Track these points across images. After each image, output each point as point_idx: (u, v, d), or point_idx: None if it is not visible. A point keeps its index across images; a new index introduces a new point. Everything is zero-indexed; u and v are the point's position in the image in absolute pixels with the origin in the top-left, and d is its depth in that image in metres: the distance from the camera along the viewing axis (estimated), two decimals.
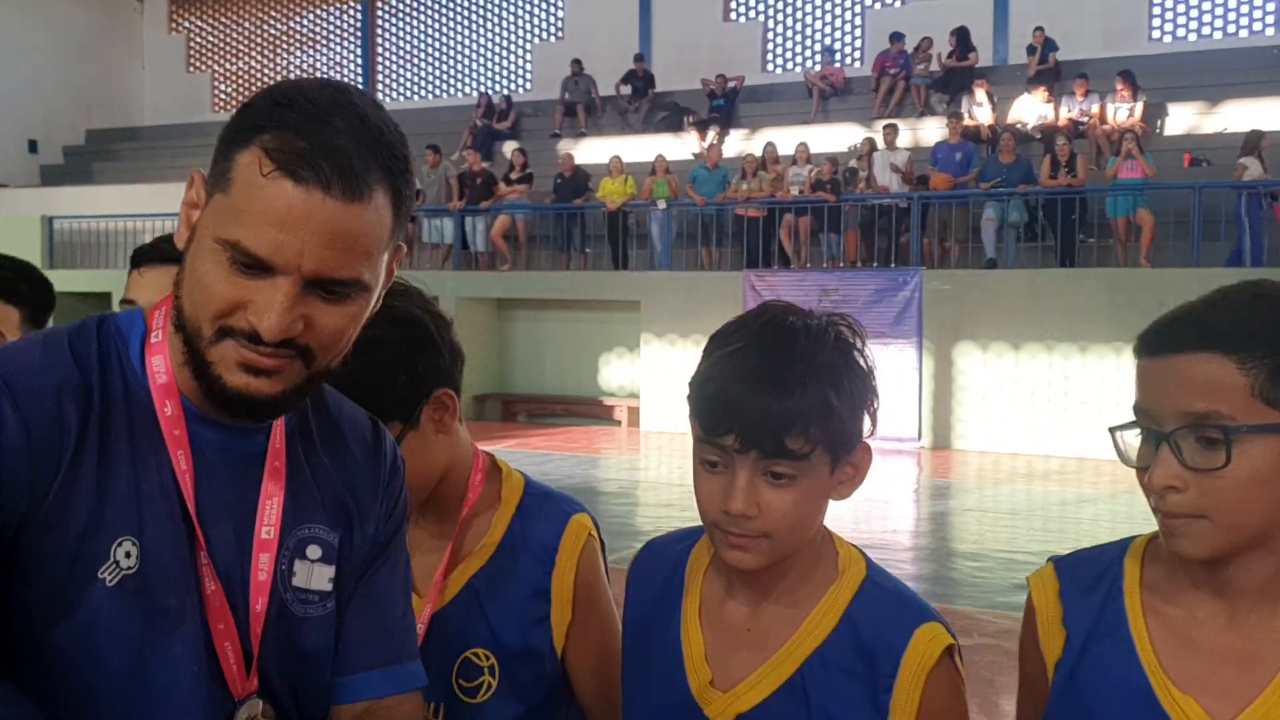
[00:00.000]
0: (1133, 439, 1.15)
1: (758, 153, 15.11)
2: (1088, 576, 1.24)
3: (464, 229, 16.11)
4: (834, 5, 19.45)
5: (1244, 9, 17.12)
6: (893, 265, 13.56)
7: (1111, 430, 1.16)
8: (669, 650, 1.31)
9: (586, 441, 13.61)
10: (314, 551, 1.17)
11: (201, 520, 1.10)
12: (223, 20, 24.21)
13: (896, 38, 16.88)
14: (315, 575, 1.17)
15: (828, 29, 19.52)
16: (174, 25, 24.34)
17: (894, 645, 1.23)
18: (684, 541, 1.39)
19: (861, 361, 1.23)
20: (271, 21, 23.82)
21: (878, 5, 18.96)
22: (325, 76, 1.09)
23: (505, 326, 15.97)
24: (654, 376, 14.13)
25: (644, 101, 18.49)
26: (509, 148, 17.60)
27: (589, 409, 15.19)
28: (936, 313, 12.82)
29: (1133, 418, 1.15)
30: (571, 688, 1.53)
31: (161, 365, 1.11)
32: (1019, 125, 14.85)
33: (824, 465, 1.20)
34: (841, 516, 10.26)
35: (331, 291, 1.04)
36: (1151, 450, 1.12)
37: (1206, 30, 17.30)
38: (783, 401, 1.16)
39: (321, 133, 1.01)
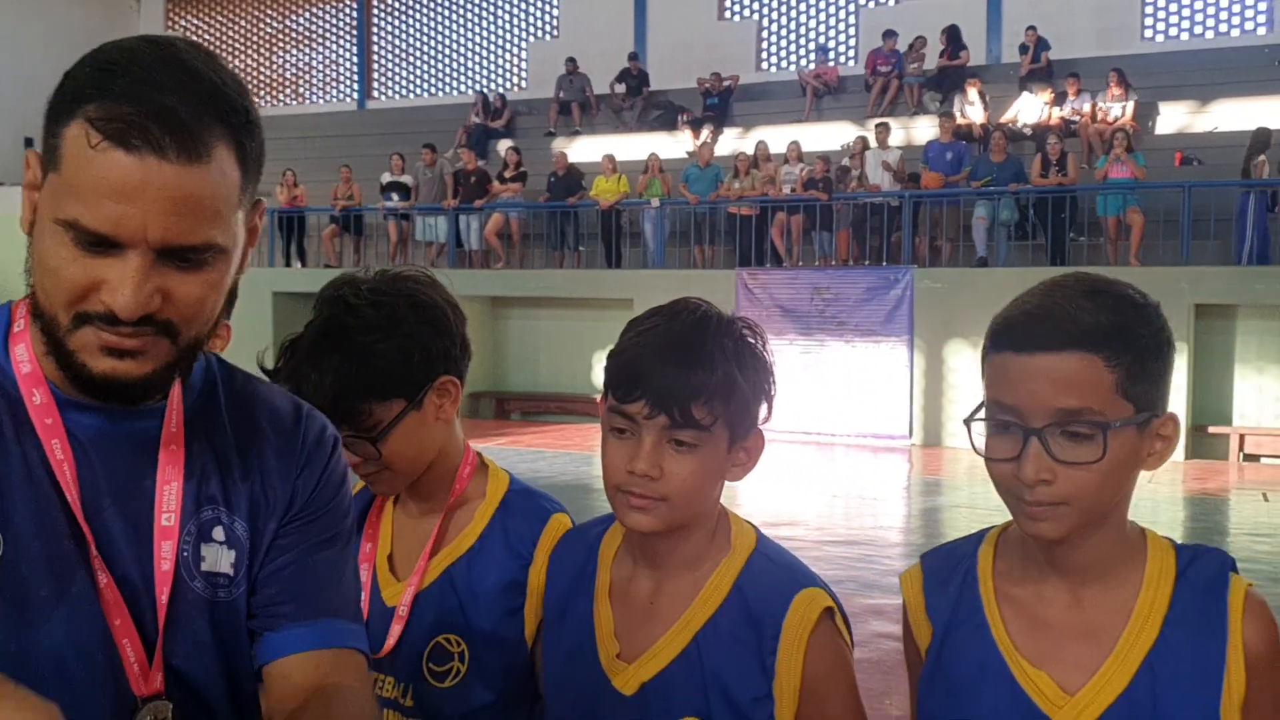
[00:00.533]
0: (984, 430, 1.21)
1: (751, 151, 15.17)
2: (946, 569, 1.32)
3: (458, 227, 16.16)
4: (828, 4, 19.52)
5: (1236, 8, 17.19)
6: (884, 264, 13.63)
7: (966, 421, 1.22)
8: (582, 627, 1.39)
9: (580, 439, 13.65)
10: (220, 534, 1.12)
11: (86, 510, 1.06)
12: (219, 18, 24.26)
13: (889, 35, 16.95)
14: (224, 559, 1.12)
15: (822, 27, 19.58)
16: (170, 23, 24.39)
17: (776, 611, 1.31)
18: (598, 527, 1.48)
19: (764, 353, 1.35)
20: (268, 19, 23.86)
21: (871, 4, 19.02)
22: (151, 34, 1.04)
23: (499, 324, 16.03)
24: None
25: (638, 100, 18.55)
26: (504, 146, 17.65)
27: (582, 406, 15.24)
28: (927, 311, 12.89)
29: (984, 410, 1.21)
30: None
31: (25, 354, 1.07)
32: (1012, 124, 14.91)
33: (723, 440, 1.31)
34: (832, 514, 10.33)
35: (185, 260, 1.00)
36: (1013, 444, 1.17)
37: (1199, 30, 17.38)
38: (692, 372, 1.28)
39: (149, 94, 0.96)
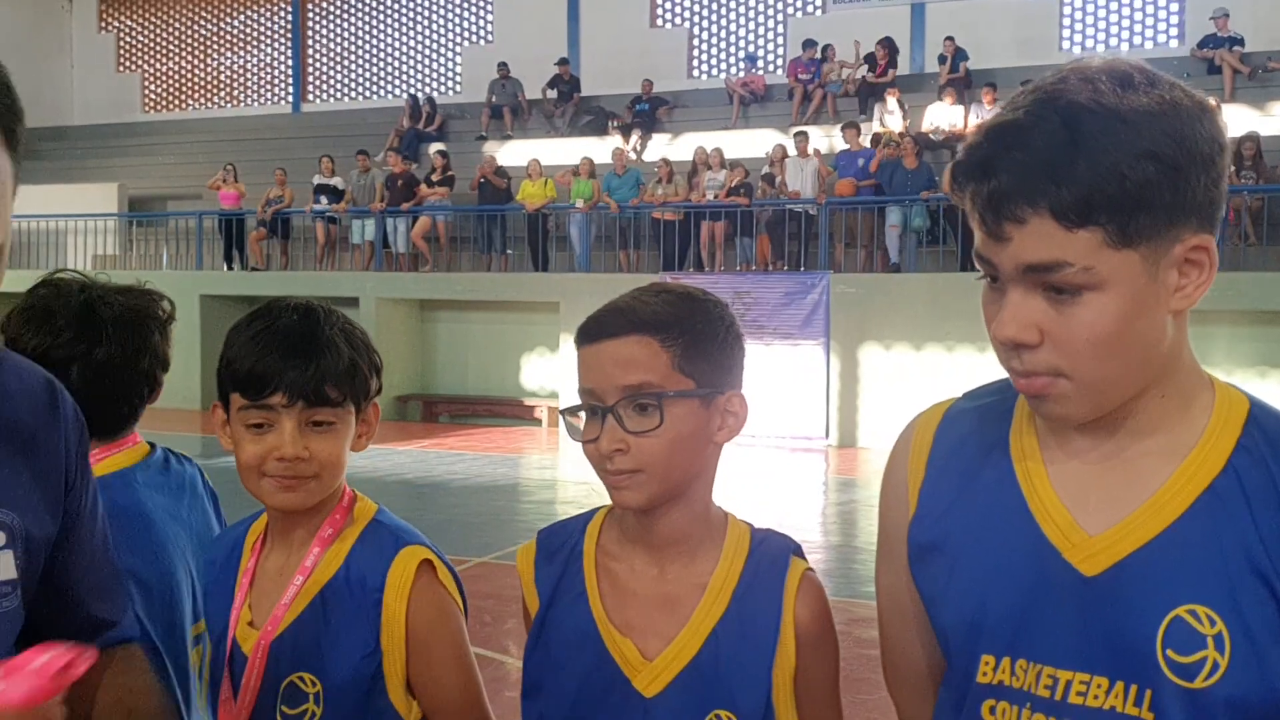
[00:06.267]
0: (578, 418, 1.36)
1: (679, 157, 15.42)
2: (555, 544, 1.43)
3: (385, 230, 16.26)
4: (757, 13, 19.82)
5: (1149, 21, 17.73)
6: (802, 269, 13.94)
7: (561, 413, 1.39)
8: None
9: (505, 441, 13.82)
10: None
11: None
12: (153, 19, 24.13)
13: (808, 45, 17.29)
14: (2, 564, 1.04)
15: (751, 36, 19.89)
16: (104, 24, 24.22)
17: (380, 572, 1.51)
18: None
19: (362, 331, 1.59)
20: (202, 21, 23.77)
21: (799, 14, 19.35)
22: None
23: (427, 328, 16.14)
24: (573, 377, 14.23)
25: (570, 105, 18.75)
26: (434, 150, 17.79)
27: (510, 409, 15.40)
28: (843, 315, 13.19)
29: (579, 401, 1.36)
30: None
31: None
32: (931, 133, 15.26)
33: (352, 414, 1.53)
34: (751, 513, 10.49)
35: None
36: (598, 424, 1.32)
37: (1114, 41, 17.87)
38: (320, 360, 1.49)
39: None
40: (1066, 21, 17.90)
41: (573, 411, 1.36)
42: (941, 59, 16.50)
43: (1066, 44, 17.86)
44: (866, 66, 16.95)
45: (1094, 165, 0.99)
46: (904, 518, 1.23)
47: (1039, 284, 1.03)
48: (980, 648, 1.14)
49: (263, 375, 1.48)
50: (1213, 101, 1.00)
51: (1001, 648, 1.12)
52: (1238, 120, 13.88)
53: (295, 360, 1.48)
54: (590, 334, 1.34)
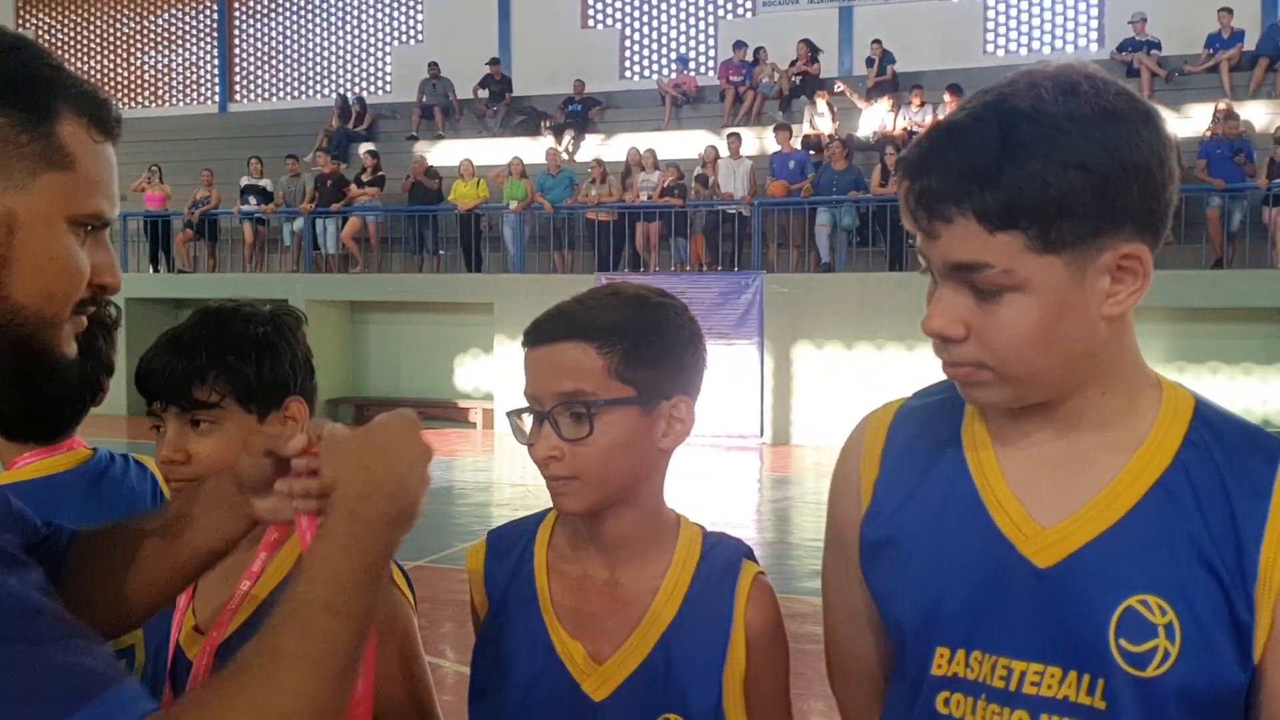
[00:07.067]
0: (523, 420, 1.35)
1: (613, 158, 15.44)
2: (506, 545, 1.42)
3: (314, 231, 16.07)
4: (688, 15, 19.92)
5: (1070, 25, 18.14)
6: (736, 269, 14.04)
7: (508, 414, 1.37)
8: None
9: (440, 444, 13.69)
10: None
11: None
12: (73, 17, 23.59)
13: (738, 46, 17.43)
14: None
15: (683, 38, 19.98)
16: (20, 21, 23.61)
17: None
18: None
19: (292, 333, 1.57)
20: (125, 20, 23.29)
21: (730, 16, 19.48)
22: None
23: (358, 330, 15.99)
24: (508, 379, 14.31)
25: (501, 105, 18.68)
26: (364, 149, 17.62)
27: (444, 412, 15.30)
28: (776, 314, 13.31)
29: (526, 404, 1.35)
30: None
31: None
32: (867, 137, 15.46)
33: (244, 414, 1.50)
34: (688, 511, 10.54)
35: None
36: (537, 429, 1.31)
37: (1036, 44, 18.25)
38: (188, 362, 1.48)
39: (91, 85, 1.01)
40: (990, 25, 18.24)
41: (518, 413, 1.35)
42: (869, 61, 16.71)
43: (990, 47, 18.20)
44: (801, 65, 17.11)
45: (1020, 171, 1.00)
46: (856, 514, 1.24)
47: (965, 282, 1.06)
48: (935, 640, 1.15)
49: (143, 380, 1.50)
50: (1158, 113, 1.03)
51: (957, 640, 1.14)
52: None
53: (165, 363, 1.49)
54: (530, 337, 1.34)
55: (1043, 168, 1.00)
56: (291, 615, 0.92)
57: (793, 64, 17.02)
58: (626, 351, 1.29)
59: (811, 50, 17.08)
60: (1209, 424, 1.12)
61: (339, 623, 0.92)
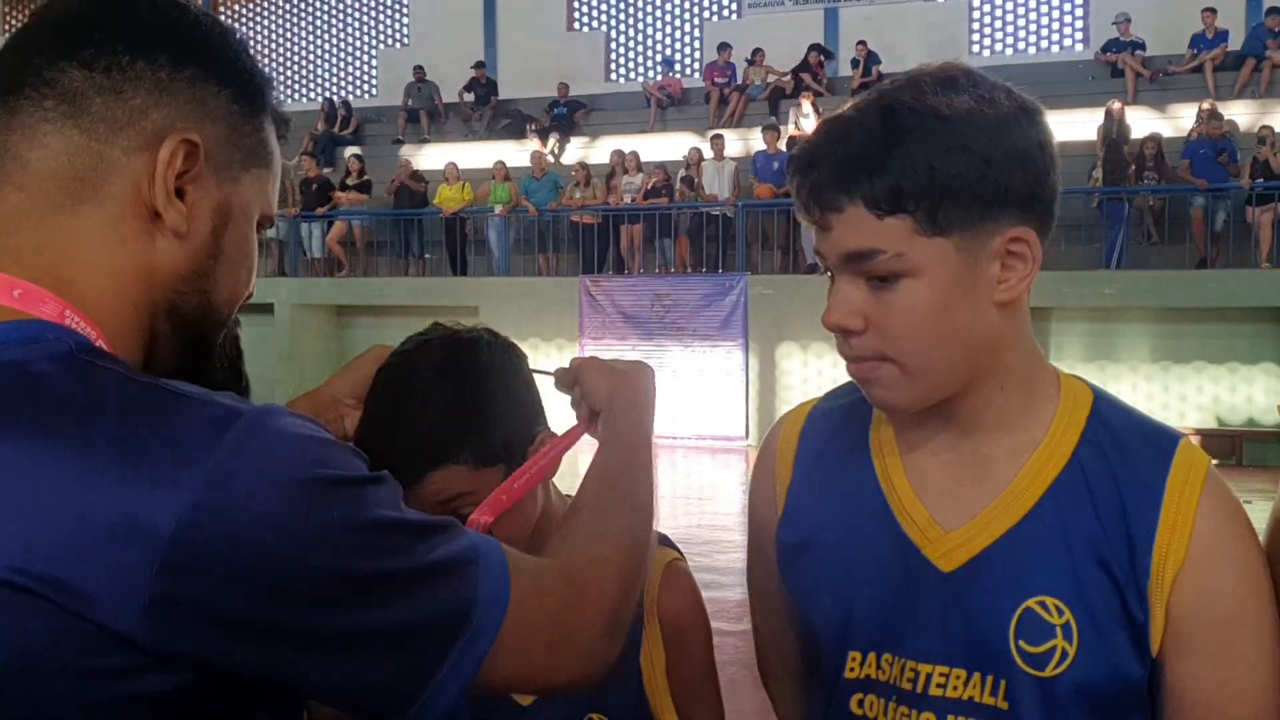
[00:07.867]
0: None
1: (597, 161, 15.43)
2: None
3: (300, 235, 16.04)
4: (674, 17, 19.93)
5: (1056, 25, 18.16)
6: (720, 271, 14.03)
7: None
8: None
9: None
10: None
11: None
12: None
13: (723, 48, 17.43)
14: None
15: (669, 40, 19.98)
16: (6, 25, 23.57)
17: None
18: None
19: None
20: None
21: (715, 18, 19.48)
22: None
23: (345, 334, 15.95)
24: None
25: (487, 109, 18.66)
26: (350, 153, 17.58)
27: None
28: (760, 316, 13.31)
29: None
30: None
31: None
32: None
33: None
34: (674, 512, 10.54)
35: None
36: None
37: (1023, 45, 18.29)
38: None
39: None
40: (976, 26, 18.26)
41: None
42: (854, 63, 16.72)
43: (976, 48, 18.21)
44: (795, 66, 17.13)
45: (905, 157, 1.03)
46: (772, 519, 1.24)
47: (861, 272, 1.07)
48: (848, 645, 1.16)
49: None
50: (1038, 105, 1.06)
51: (868, 644, 1.15)
52: (1140, 122, 14.27)
53: None
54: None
55: (926, 152, 1.02)
56: (603, 473, 1.10)
57: (798, 66, 17.00)
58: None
59: (822, 55, 17.09)
60: (1105, 422, 1.13)
61: (641, 470, 1.11)
